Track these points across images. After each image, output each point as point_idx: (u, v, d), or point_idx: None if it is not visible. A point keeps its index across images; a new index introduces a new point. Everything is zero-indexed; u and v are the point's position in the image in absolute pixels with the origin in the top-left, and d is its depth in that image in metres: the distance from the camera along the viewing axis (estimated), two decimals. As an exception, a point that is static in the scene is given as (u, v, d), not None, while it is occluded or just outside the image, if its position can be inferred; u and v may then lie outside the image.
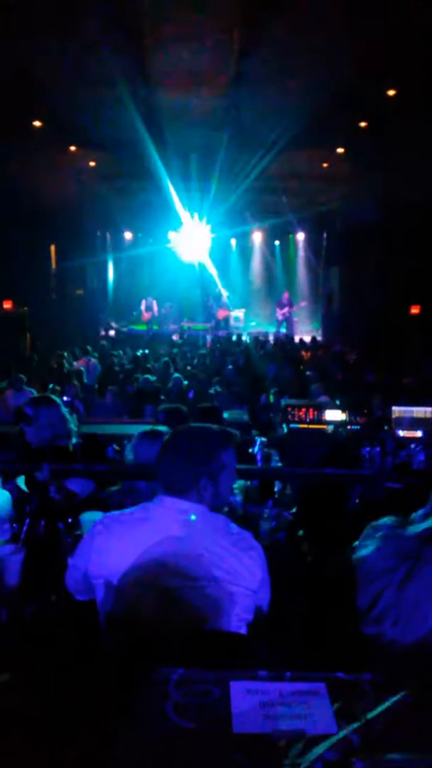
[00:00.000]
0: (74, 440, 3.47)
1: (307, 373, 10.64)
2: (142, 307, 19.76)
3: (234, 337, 17.18)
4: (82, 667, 1.74)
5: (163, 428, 3.27)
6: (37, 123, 10.59)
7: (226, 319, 19.91)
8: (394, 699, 1.11)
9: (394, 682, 1.16)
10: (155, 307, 19.85)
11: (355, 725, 1.05)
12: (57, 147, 12.20)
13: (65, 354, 12.91)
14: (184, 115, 11.01)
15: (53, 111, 10.18)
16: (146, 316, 19.65)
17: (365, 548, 1.76)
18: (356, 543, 1.85)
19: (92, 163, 13.99)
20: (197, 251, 19.53)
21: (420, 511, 1.83)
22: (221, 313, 20.00)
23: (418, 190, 12.80)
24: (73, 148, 12.49)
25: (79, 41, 7.84)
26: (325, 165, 14.12)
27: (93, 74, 8.82)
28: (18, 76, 8.46)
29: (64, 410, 3.46)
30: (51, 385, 8.85)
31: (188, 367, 12.07)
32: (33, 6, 6.82)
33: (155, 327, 19.66)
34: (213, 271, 20.15)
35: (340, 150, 12.62)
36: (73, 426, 3.49)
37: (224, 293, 20.15)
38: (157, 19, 7.69)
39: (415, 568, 1.58)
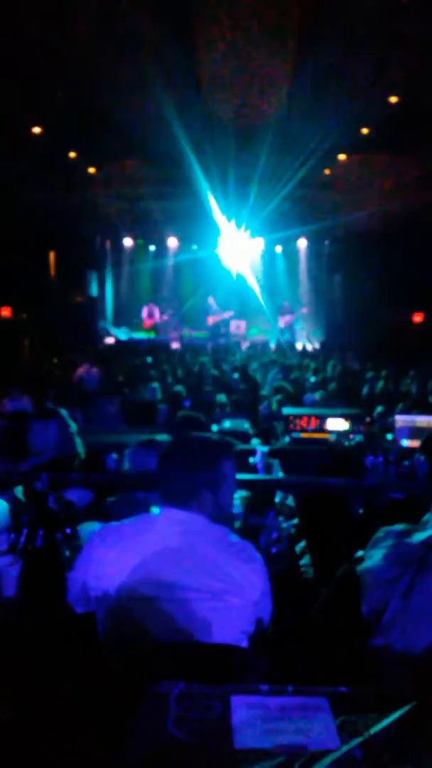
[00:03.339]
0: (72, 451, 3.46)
1: (311, 380, 10.62)
2: (144, 315, 19.66)
3: (235, 345, 17.10)
4: (82, 679, 1.72)
5: (160, 437, 3.27)
6: (36, 129, 10.60)
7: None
8: (398, 714, 1.10)
9: (397, 696, 1.15)
10: (157, 314, 19.75)
11: (358, 740, 1.04)
12: (56, 153, 12.21)
13: (64, 361, 12.89)
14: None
15: (54, 116, 10.16)
16: (148, 323, 19.55)
17: (370, 558, 1.73)
18: (362, 552, 1.83)
19: (92, 170, 14.02)
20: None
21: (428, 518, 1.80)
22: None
23: (422, 197, 12.85)
24: (72, 154, 12.48)
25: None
26: (327, 171, 14.15)
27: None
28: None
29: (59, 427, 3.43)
30: (49, 394, 8.82)
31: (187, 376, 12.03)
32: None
33: (155, 334, 19.58)
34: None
35: (342, 157, 12.66)
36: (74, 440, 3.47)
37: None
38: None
39: (419, 575, 1.56)
